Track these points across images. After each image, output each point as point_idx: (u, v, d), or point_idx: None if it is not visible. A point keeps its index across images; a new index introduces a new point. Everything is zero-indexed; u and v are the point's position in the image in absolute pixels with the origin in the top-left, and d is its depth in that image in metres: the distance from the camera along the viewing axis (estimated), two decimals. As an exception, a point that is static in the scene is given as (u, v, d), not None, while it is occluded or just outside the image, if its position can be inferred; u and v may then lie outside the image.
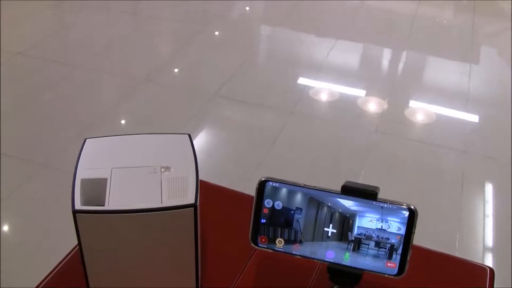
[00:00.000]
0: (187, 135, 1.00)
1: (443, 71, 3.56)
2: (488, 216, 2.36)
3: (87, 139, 1.00)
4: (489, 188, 2.53)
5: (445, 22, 4.33)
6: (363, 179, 2.48)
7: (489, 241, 2.25)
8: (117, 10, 4.13)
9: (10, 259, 2.05)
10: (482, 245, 2.23)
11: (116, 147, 0.99)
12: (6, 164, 2.49)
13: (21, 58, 3.38)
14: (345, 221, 0.82)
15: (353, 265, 0.82)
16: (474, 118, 3.04)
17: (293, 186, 0.83)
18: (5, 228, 2.22)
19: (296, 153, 2.66)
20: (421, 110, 3.09)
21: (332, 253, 0.83)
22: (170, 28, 3.94)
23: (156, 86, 3.14)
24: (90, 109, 2.92)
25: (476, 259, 2.15)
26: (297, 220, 0.83)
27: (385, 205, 0.80)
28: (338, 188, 0.83)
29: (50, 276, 1.00)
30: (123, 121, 2.87)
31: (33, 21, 3.90)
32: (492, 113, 3.08)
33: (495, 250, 2.22)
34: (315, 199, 0.82)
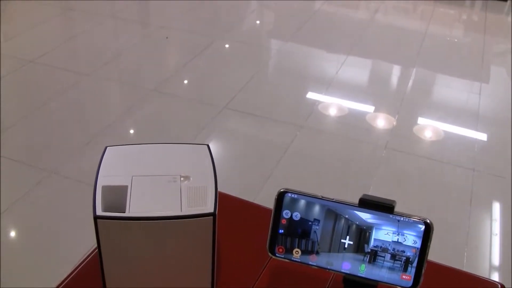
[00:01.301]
0: (206, 146, 1.02)
1: (453, 89, 3.58)
2: (496, 234, 2.36)
3: (107, 147, 1.02)
4: (497, 206, 2.54)
5: (455, 40, 4.35)
6: (372, 194, 2.48)
7: (497, 258, 2.25)
8: (127, 20, 4.17)
9: (18, 264, 2.06)
10: (489, 262, 2.23)
11: (136, 155, 1.01)
12: (14, 170, 2.52)
13: (32, 66, 3.42)
14: (362, 233, 0.83)
15: (369, 277, 0.83)
16: (483, 136, 3.05)
17: (312, 198, 0.85)
18: (13, 234, 2.23)
19: (305, 167, 2.67)
20: (430, 127, 3.11)
21: (348, 264, 0.84)
22: (180, 39, 3.97)
23: (165, 97, 3.17)
24: (99, 118, 2.94)
25: (484, 276, 2.16)
26: (315, 231, 0.84)
27: (402, 219, 0.82)
28: (355, 201, 0.84)
29: (66, 281, 1.02)
30: (131, 131, 2.89)
31: (43, 30, 3.94)
32: (502, 132, 3.08)
33: (502, 268, 2.22)
34: (333, 211, 0.84)
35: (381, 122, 3.13)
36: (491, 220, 2.45)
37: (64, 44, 3.74)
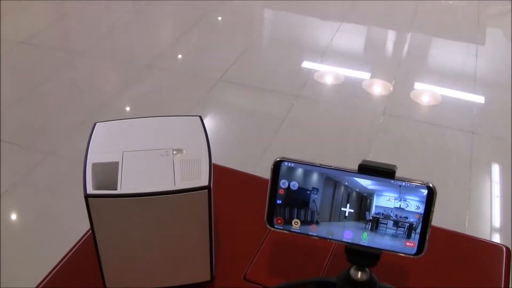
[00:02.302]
0: (198, 117, 0.99)
1: (449, 52, 3.53)
2: (497, 196, 2.35)
3: (96, 123, 0.99)
4: (497, 168, 2.52)
5: (450, 2, 4.29)
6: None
7: (499, 221, 2.24)
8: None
9: (17, 246, 2.04)
10: (491, 225, 2.22)
11: (127, 130, 0.97)
12: (11, 153, 2.49)
13: (24, 47, 3.36)
14: (363, 201, 0.80)
15: (371, 245, 0.81)
16: (481, 99, 3.02)
17: (309, 166, 0.82)
18: (12, 217, 2.21)
19: (302, 136, 2.64)
20: (428, 92, 3.07)
21: (350, 233, 0.81)
22: (171, 14, 3.91)
23: (160, 72, 3.12)
24: (94, 96, 2.90)
25: (486, 238, 2.14)
26: (314, 201, 0.81)
27: (403, 184, 0.79)
28: (355, 168, 0.81)
29: (62, 263, 0.99)
30: (127, 108, 2.86)
31: (34, 10, 3.87)
32: (500, 94, 3.05)
33: (504, 230, 2.21)
34: (332, 179, 0.81)
35: (378, 88, 3.09)
36: (491, 182, 2.43)
37: (55, 24, 3.68)
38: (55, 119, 2.73)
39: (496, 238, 2.18)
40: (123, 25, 3.68)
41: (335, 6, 4.07)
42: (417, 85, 3.12)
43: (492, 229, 2.21)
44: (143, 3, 4.00)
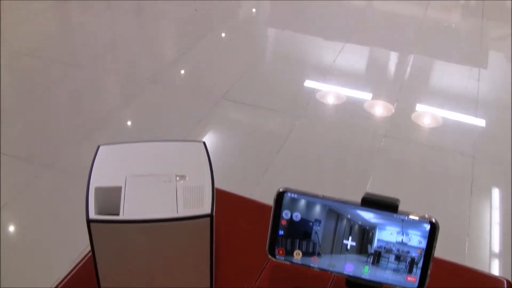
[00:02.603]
0: (202, 143, 0.99)
1: (452, 75, 3.54)
2: (497, 222, 2.34)
3: (100, 146, 0.99)
4: (498, 194, 2.51)
5: (453, 26, 4.31)
6: (372, 183, 2.46)
7: (498, 248, 2.23)
8: (121, 10, 4.12)
9: (16, 262, 2.04)
10: (490, 252, 2.21)
11: (130, 154, 0.97)
12: (11, 165, 2.48)
13: (27, 59, 3.38)
14: (365, 234, 0.80)
15: (373, 279, 0.80)
16: (482, 122, 3.02)
17: (312, 198, 0.82)
18: (11, 230, 2.21)
19: (304, 157, 2.64)
20: (429, 114, 3.08)
21: (351, 266, 0.81)
22: (175, 29, 3.93)
23: (162, 88, 3.13)
24: (96, 110, 2.91)
25: (485, 265, 2.14)
26: (316, 232, 0.81)
27: (406, 218, 0.79)
28: (358, 199, 0.81)
29: (61, 285, 0.99)
30: (129, 122, 2.86)
31: (37, 22, 3.89)
32: (501, 118, 3.06)
33: (504, 257, 2.20)
34: (334, 211, 0.81)
35: (380, 109, 3.10)
36: (491, 208, 2.42)
37: (59, 36, 3.70)
38: (56, 132, 2.74)
39: (496, 266, 2.17)
40: (126, 39, 3.69)
41: (339, 27, 4.09)
42: (419, 107, 3.12)
43: (492, 256, 2.20)
44: (147, 18, 4.03)
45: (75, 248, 2.00)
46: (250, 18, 4.22)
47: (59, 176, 2.44)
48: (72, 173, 2.45)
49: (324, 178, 2.49)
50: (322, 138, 2.79)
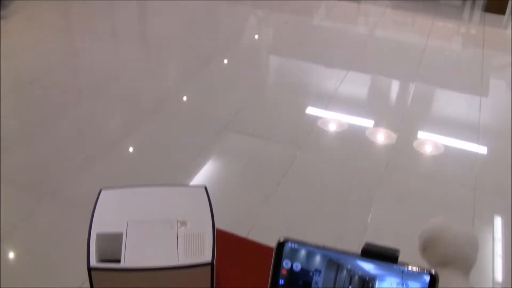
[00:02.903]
0: (203, 188, 1.00)
1: (453, 103, 3.56)
2: (500, 255, 2.33)
3: (102, 190, 1.00)
4: (500, 226, 2.51)
5: (454, 54, 4.34)
6: (373, 215, 2.46)
7: (501, 282, 2.22)
8: (126, 38, 4.16)
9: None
10: (493, 284, 2.20)
11: (132, 199, 0.98)
12: (12, 194, 2.49)
13: (31, 87, 3.40)
14: (365, 285, 0.80)
15: (373, 329, 0.80)
16: (484, 151, 3.04)
17: (312, 248, 0.82)
18: (12, 260, 2.21)
19: (305, 188, 2.65)
20: (431, 143, 3.09)
21: (351, 316, 0.81)
22: (178, 58, 3.96)
23: (164, 117, 3.15)
24: (98, 139, 2.92)
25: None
26: (316, 282, 0.82)
27: (406, 269, 0.79)
28: (358, 248, 0.82)
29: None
30: (130, 151, 2.87)
31: (42, 49, 3.92)
32: (503, 146, 3.07)
33: (507, 291, 2.19)
34: (335, 261, 0.81)
35: (382, 137, 3.11)
36: (493, 241, 2.42)
37: (63, 64, 3.72)
38: (57, 161, 2.75)
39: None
40: (130, 68, 3.72)
41: (342, 55, 4.11)
42: (421, 135, 3.13)
43: (494, 290, 2.19)
44: (150, 45, 4.06)
45: (77, 279, 2.00)
46: (253, 47, 4.25)
47: (60, 205, 2.44)
48: (73, 202, 2.46)
49: (325, 211, 2.49)
50: (324, 169, 2.80)
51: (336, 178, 2.73)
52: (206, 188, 0.99)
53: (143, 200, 0.98)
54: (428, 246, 1.63)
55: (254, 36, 4.42)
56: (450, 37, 4.73)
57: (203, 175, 2.67)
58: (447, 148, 3.05)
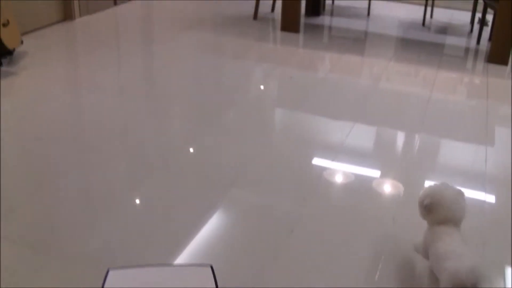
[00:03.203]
0: (209, 267, 1.01)
1: (459, 153, 3.57)
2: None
3: (110, 271, 1.01)
4: (510, 279, 2.50)
5: (458, 105, 4.38)
6: (380, 273, 2.46)
7: None
8: (133, 94, 4.23)
9: None
10: None
11: (139, 280, 1.00)
12: (16, 253, 2.50)
13: (38, 142, 3.45)
14: None
15: None
16: (492, 200, 3.05)
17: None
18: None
19: (312, 244, 2.65)
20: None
21: None
22: (185, 113, 4.01)
23: (170, 173, 3.18)
24: (103, 196, 2.95)
25: None
26: None
27: None
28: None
29: None
30: (137, 210, 2.88)
31: (49, 106, 3.99)
32: (510, 196, 3.08)
33: None
34: None
35: (389, 189, 3.12)
36: (504, 297, 2.40)
37: (70, 120, 3.78)
38: (63, 219, 2.76)
39: None
40: (136, 122, 3.77)
41: (347, 107, 4.16)
42: (427, 184, 3.14)
43: None
44: (157, 100, 4.12)
45: None
46: (258, 100, 4.30)
47: (66, 263, 2.45)
48: (78, 262, 2.46)
49: (332, 268, 2.49)
50: (330, 224, 2.80)
51: (342, 235, 2.73)
52: (212, 268, 1.01)
53: (150, 281, 0.99)
54: (430, 210, 2.37)
55: (259, 90, 4.48)
56: (454, 87, 4.78)
57: (208, 233, 2.68)
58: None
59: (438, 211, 2.34)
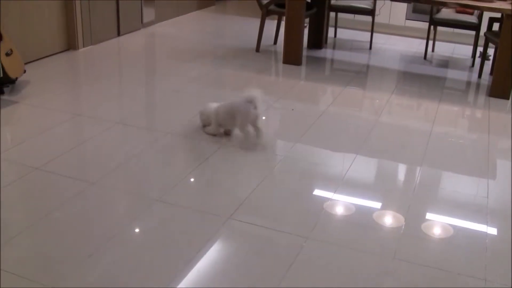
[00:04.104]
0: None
1: (460, 186, 3.55)
2: None
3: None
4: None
5: (460, 138, 4.37)
6: (380, 309, 2.42)
7: None
8: (134, 126, 4.23)
9: None
10: None
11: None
12: (11, 284, 2.47)
13: (38, 173, 3.44)
14: None
15: None
16: (494, 232, 3.03)
17: None
18: None
19: (310, 281, 2.61)
20: (439, 229, 3.07)
21: None
22: (185, 147, 4.01)
23: (170, 207, 3.15)
24: (103, 229, 2.92)
25: None
26: None
27: None
28: None
29: None
30: (136, 243, 2.85)
31: (50, 135, 3.99)
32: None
33: None
34: None
35: (390, 222, 3.10)
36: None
37: (71, 151, 3.77)
38: (61, 251, 2.73)
39: None
40: (137, 155, 3.76)
41: (349, 139, 4.15)
42: (428, 220, 3.13)
43: None
44: (158, 134, 4.11)
45: None
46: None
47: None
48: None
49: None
50: (330, 259, 2.77)
51: (342, 271, 2.69)
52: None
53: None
54: (208, 120, 4.09)
55: (261, 123, 4.47)
56: (455, 121, 4.78)
57: (207, 266, 2.64)
58: (455, 235, 3.03)
59: (218, 120, 4.06)
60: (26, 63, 5.22)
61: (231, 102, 4.07)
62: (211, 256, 2.73)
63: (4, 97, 4.65)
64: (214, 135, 4.09)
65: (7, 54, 4.62)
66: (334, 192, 3.39)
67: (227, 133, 4.14)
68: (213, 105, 4.12)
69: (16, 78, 4.76)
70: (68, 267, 2.62)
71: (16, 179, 3.37)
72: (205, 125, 4.15)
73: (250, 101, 3.87)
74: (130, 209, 3.16)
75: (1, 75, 4.48)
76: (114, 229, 2.92)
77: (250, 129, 3.95)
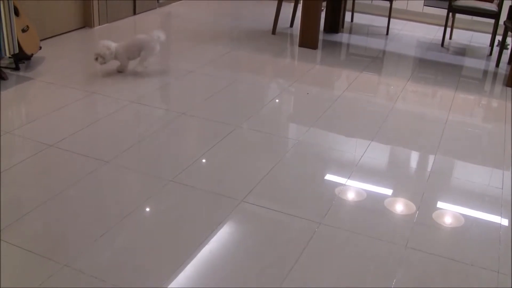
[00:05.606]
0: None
1: (475, 177, 3.52)
2: None
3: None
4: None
5: (476, 128, 4.33)
6: (392, 297, 2.41)
7: None
8: (148, 106, 4.22)
9: None
10: None
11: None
12: (26, 261, 2.48)
13: (52, 150, 3.45)
14: None
15: None
16: (507, 224, 3.00)
17: None
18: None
19: (322, 267, 2.60)
20: (452, 218, 3.05)
21: None
22: (199, 127, 3.99)
23: (183, 188, 3.15)
24: (115, 208, 2.93)
25: None
26: None
27: None
28: None
29: None
30: (148, 223, 2.86)
31: (65, 113, 4.00)
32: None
33: None
34: None
35: (403, 210, 3.08)
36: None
37: (85, 129, 3.77)
38: (75, 229, 2.75)
39: None
40: (151, 135, 3.76)
41: (364, 125, 4.12)
42: (441, 209, 3.11)
43: None
44: (172, 115, 4.11)
45: None
46: (275, 117, 4.28)
47: (75, 275, 2.43)
48: (88, 273, 2.44)
49: (344, 290, 2.45)
50: (343, 245, 2.76)
51: (354, 258, 2.68)
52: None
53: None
54: (111, 56, 4.72)
55: (276, 107, 4.45)
56: (471, 110, 4.73)
57: (220, 248, 2.65)
58: (469, 222, 3.01)
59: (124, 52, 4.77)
60: (41, 40, 5.21)
61: (138, 37, 4.81)
62: (223, 238, 2.73)
63: (20, 73, 4.65)
64: (123, 71, 4.82)
65: (23, 31, 4.61)
66: (348, 178, 3.37)
67: (120, 71, 4.83)
68: (112, 43, 4.69)
69: (32, 55, 4.76)
70: (80, 245, 2.63)
71: (30, 156, 3.38)
72: (98, 59, 4.65)
73: (157, 38, 4.76)
74: (143, 189, 3.16)
75: (17, 51, 4.48)
76: (127, 209, 2.92)
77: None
